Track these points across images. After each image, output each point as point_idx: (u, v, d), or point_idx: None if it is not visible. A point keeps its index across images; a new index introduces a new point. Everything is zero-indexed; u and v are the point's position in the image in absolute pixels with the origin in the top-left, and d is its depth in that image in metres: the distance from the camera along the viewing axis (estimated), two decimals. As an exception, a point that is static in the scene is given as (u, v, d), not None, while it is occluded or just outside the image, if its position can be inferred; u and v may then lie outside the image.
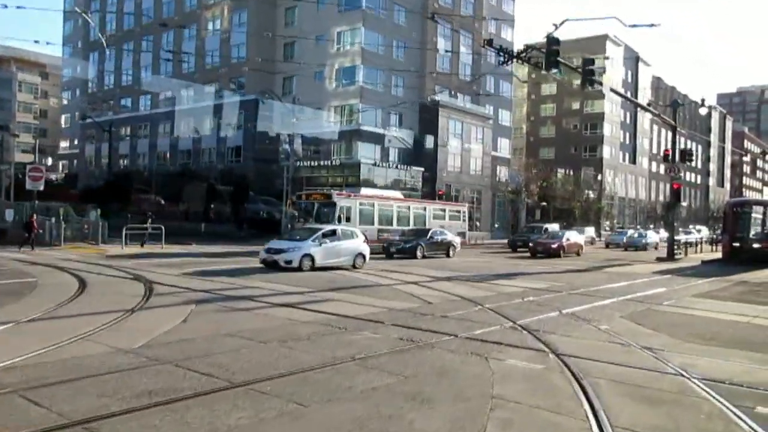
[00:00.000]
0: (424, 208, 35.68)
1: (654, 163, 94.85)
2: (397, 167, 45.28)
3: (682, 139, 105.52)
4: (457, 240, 31.39)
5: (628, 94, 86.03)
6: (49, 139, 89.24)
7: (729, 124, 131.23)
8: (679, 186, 32.54)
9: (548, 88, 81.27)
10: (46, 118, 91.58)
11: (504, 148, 60.04)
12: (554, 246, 32.42)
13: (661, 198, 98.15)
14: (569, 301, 14.02)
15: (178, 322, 10.10)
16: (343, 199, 30.08)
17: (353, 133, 45.00)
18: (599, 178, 71.67)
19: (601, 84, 24.29)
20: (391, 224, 32.29)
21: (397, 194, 36.47)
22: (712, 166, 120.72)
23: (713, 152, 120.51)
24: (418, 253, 27.84)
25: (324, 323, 10.27)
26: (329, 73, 46.52)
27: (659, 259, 32.56)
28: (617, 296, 15.31)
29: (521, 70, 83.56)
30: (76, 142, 71.61)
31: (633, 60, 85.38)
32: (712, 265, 29.48)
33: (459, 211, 38.86)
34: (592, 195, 63.91)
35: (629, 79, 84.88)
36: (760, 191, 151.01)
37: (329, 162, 44.08)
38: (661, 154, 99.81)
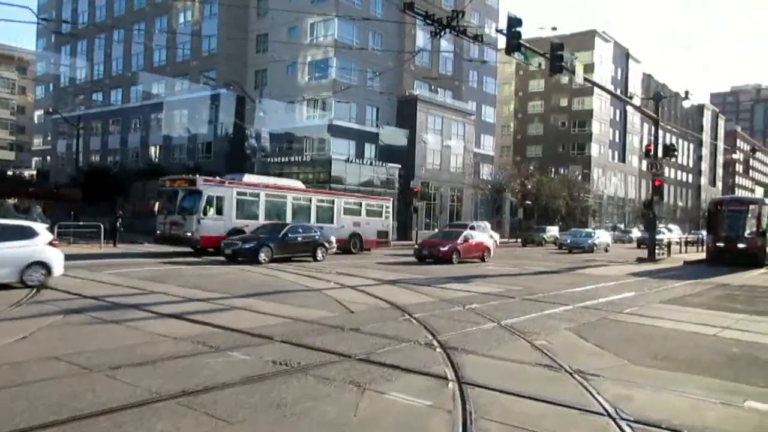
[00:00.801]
0: (332, 202, 30.27)
1: (645, 162, 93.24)
2: (371, 164, 43.50)
3: (673, 137, 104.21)
4: (331, 239, 25.53)
5: (618, 92, 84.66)
6: (27, 136, 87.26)
7: (721, 122, 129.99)
8: (660, 182, 30.86)
9: (536, 85, 79.69)
10: (23, 114, 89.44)
11: (487, 145, 58.34)
12: (444, 249, 25.53)
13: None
14: (516, 309, 12.29)
15: (17, 338, 8.31)
16: (212, 186, 24.88)
17: (326, 128, 43.17)
18: (587, 176, 70.02)
19: (573, 72, 22.61)
20: (284, 219, 26.84)
21: (297, 183, 30.98)
22: (704, 165, 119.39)
23: (705, 151, 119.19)
24: (262, 256, 21.74)
25: (198, 340, 8.48)
26: (302, 66, 44.71)
27: (640, 260, 30.94)
28: (575, 303, 13.60)
29: (508, 68, 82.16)
30: (49, 138, 69.53)
31: (623, 56, 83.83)
32: (695, 267, 27.90)
33: (380, 206, 33.03)
34: (578, 194, 62.17)
35: (619, 76, 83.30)
36: (752, 191, 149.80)
37: (300, 158, 42.25)
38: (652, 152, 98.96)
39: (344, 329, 9.63)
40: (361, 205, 31.98)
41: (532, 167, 60.40)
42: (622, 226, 69.59)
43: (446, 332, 9.52)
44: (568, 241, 40.40)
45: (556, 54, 19.65)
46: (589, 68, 75.47)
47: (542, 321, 11.05)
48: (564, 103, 77.99)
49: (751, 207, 29.17)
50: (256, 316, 10.59)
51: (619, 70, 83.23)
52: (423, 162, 47.61)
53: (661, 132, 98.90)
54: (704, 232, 38.48)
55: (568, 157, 74.53)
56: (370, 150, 45.76)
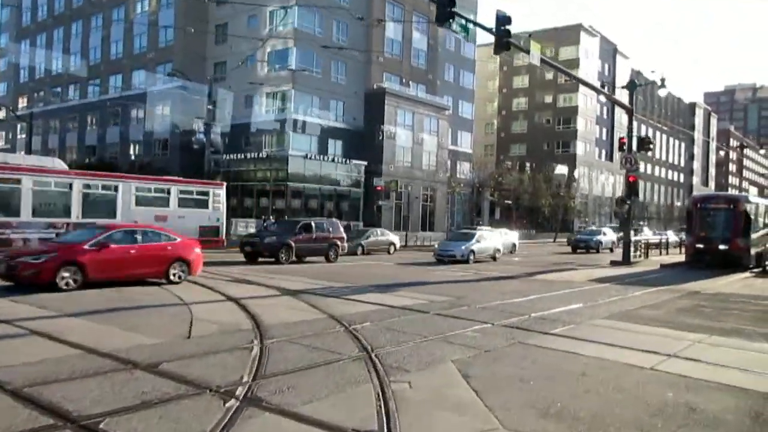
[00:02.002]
0: (114, 188, 21.41)
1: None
2: (333, 160, 40.86)
3: (664, 135, 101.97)
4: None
5: (605, 88, 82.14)
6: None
7: (714, 121, 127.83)
8: (635, 179, 28.33)
9: (520, 81, 77.18)
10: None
11: (465, 142, 55.73)
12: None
13: (641, 197, 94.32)
14: (412, 331, 9.72)
15: None
16: None
17: (285, 123, 40.52)
18: (572, 174, 67.51)
19: (526, 52, 19.85)
20: (67, 215, 19.78)
21: (48, 162, 22.23)
22: (696, 165, 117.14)
23: (697, 150, 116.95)
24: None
25: None
26: (261, 57, 42.07)
27: (613, 263, 28.45)
28: (500, 319, 11.06)
29: (492, 64, 79.66)
30: (10, 136, 66.72)
31: (610, 52, 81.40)
32: (671, 271, 25.42)
33: (205, 194, 24.73)
34: (560, 192, 59.55)
35: (606, 72, 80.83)
36: (746, 191, 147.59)
37: (256, 154, 39.59)
38: (642, 151, 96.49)
39: (139, 366, 7.01)
40: (169, 192, 23.34)
41: (508, 163, 57.86)
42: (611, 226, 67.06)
43: (277, 370, 6.96)
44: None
45: (502, 28, 17.04)
46: (574, 63, 73.16)
47: (432, 348, 8.47)
48: (549, 99, 75.49)
49: (734, 205, 26.63)
50: (49, 347, 7.96)
51: (606, 66, 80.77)
52: (392, 159, 45.02)
53: (650, 130, 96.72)
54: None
55: (553, 155, 72.00)
56: (335, 146, 43.14)
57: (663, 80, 29.93)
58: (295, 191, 38.91)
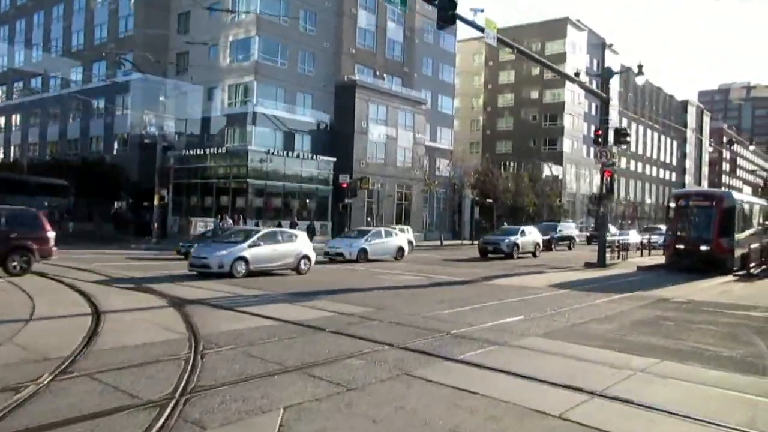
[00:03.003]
0: None
1: (623, 159, 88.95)
2: (299, 156, 38.66)
3: (655, 133, 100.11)
4: None
5: (594, 84, 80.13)
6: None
7: (706, 119, 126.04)
8: (611, 174, 26.18)
9: (506, 76, 75.11)
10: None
11: (445, 138, 53.58)
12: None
13: (631, 196, 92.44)
14: (282, 356, 7.70)
15: None
16: None
17: (248, 117, 38.30)
18: (558, 172, 65.49)
19: (476, 28, 17.76)
20: None
21: None
22: (689, 163, 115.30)
23: (690, 148, 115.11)
24: None
25: None
26: (223, 47, 39.87)
27: (588, 265, 26.33)
28: (410, 338, 9.20)
29: (478, 59, 77.64)
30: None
31: (599, 47, 79.38)
32: (646, 274, 23.38)
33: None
34: (544, 190, 57.40)
35: (595, 68, 78.63)
36: (740, 190, 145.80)
37: (216, 150, 37.38)
38: (632, 149, 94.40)
39: None
40: None
41: (485, 159, 55.77)
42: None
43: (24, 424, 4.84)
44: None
45: (445, 1, 14.90)
46: (560, 58, 71.15)
47: (275, 386, 6.36)
48: (535, 95, 73.41)
49: (716, 202, 24.53)
50: None
51: (595, 61, 78.70)
52: (363, 155, 42.82)
53: (641, 128, 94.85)
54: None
55: (539, 153, 69.93)
56: (302, 142, 40.95)
57: (640, 67, 27.84)
58: (256, 189, 36.72)
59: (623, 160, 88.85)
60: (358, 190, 39.99)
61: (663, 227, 44.86)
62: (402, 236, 28.41)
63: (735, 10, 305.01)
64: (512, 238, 31.48)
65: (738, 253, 24.01)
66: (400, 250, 27.56)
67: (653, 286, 18.50)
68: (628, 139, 28.17)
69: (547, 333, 9.97)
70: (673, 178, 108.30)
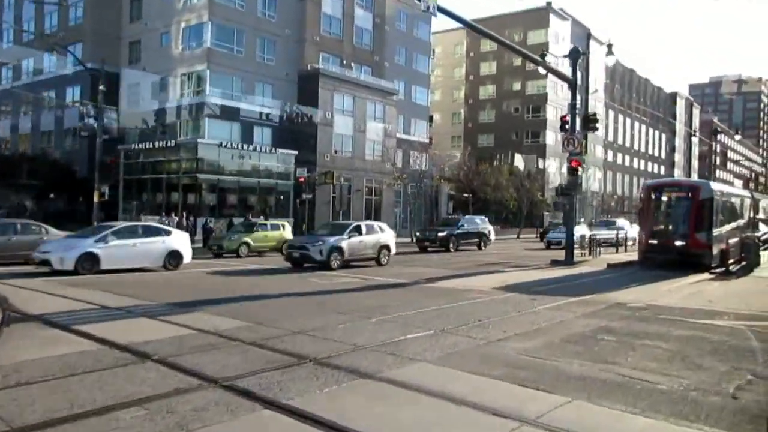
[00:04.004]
0: None
1: (610, 152, 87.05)
2: (256, 149, 36.34)
3: (642, 126, 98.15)
4: None
5: (578, 75, 77.96)
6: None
7: (696, 112, 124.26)
8: (578, 163, 24.03)
9: (488, 68, 72.90)
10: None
11: (420, 131, 51.30)
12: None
13: (619, 190, 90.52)
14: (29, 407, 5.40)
15: None
16: None
17: (200, 107, 35.95)
18: (541, 166, 63.39)
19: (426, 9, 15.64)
20: None
21: None
22: (678, 157, 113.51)
23: (678, 141, 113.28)
24: None
25: None
26: (176, 34, 37.47)
27: (555, 263, 24.23)
28: (254, 365, 7.06)
29: (459, 49, 75.43)
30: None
31: (583, 37, 77.16)
32: (615, 272, 21.32)
33: None
34: (524, 184, 55.15)
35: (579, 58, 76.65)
36: (731, 184, 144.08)
37: (166, 143, 35.01)
38: (619, 142, 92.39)
39: None
40: None
41: (459, 154, 53.56)
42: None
43: None
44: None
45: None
46: (543, 48, 68.93)
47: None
48: (517, 87, 71.20)
49: (694, 193, 22.44)
50: None
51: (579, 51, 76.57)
52: (328, 148, 40.56)
53: (629, 120, 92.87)
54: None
55: (522, 146, 67.78)
56: (262, 134, 38.60)
57: (610, 46, 25.77)
58: (209, 184, 34.43)
59: (609, 153, 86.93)
60: (322, 185, 37.80)
61: (620, 220, 42.56)
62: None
63: (725, 4, 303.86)
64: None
65: (717, 248, 21.93)
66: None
67: (615, 287, 16.42)
68: (597, 125, 26.02)
69: (445, 356, 7.81)
70: (662, 172, 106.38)
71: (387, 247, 22.95)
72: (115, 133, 30.69)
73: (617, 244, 29.36)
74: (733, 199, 26.10)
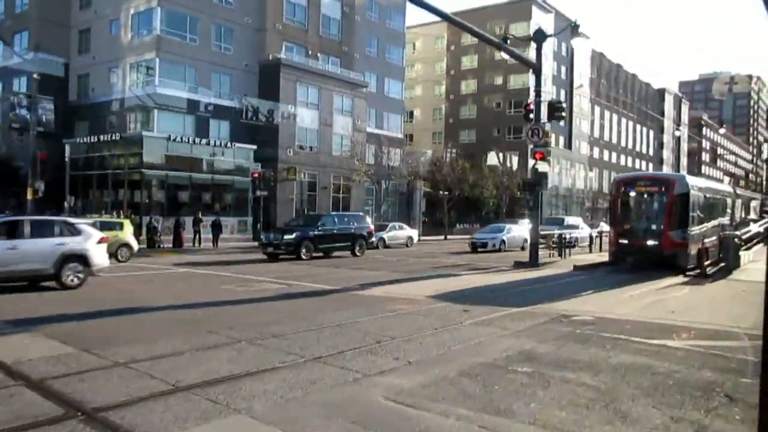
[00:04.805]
0: None
1: (596, 149, 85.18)
2: (210, 144, 34.09)
3: (630, 122, 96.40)
4: None
5: (563, 70, 76.07)
6: None
7: (685, 108, 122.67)
8: (543, 155, 21.93)
9: (469, 61, 70.81)
10: None
11: (394, 125, 49.13)
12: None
13: (606, 188, 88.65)
14: None
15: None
16: None
17: (150, 99, 33.63)
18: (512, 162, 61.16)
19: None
20: None
21: None
22: (666, 153, 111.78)
23: (667, 138, 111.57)
24: None
25: None
26: (125, 21, 35.18)
27: (518, 265, 22.17)
28: None
29: (440, 43, 73.33)
30: None
31: (567, 30, 75.20)
32: (581, 275, 19.28)
33: None
34: (502, 181, 53.11)
35: (563, 52, 74.79)
36: (720, 181, 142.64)
37: (110, 137, 32.70)
38: (605, 138, 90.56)
39: None
40: None
41: (439, 149, 51.50)
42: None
43: None
44: None
45: None
46: (525, 41, 66.95)
47: None
48: (499, 81, 69.08)
49: (668, 187, 20.43)
50: None
51: (564, 46, 74.64)
52: (291, 142, 38.38)
53: (615, 116, 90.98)
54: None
55: (504, 142, 65.74)
56: (219, 128, 36.36)
57: (576, 26, 23.75)
58: (158, 181, 32.19)
59: (595, 150, 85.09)
60: (284, 182, 35.66)
61: (573, 218, 39.76)
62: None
63: (715, 2, 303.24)
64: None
65: (693, 248, 19.94)
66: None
67: (571, 293, 14.38)
68: (563, 113, 23.95)
69: (282, 403, 5.74)
70: (651, 169, 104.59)
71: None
72: (51, 126, 28.41)
73: (561, 245, 25.43)
74: (713, 195, 24.15)
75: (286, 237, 23.14)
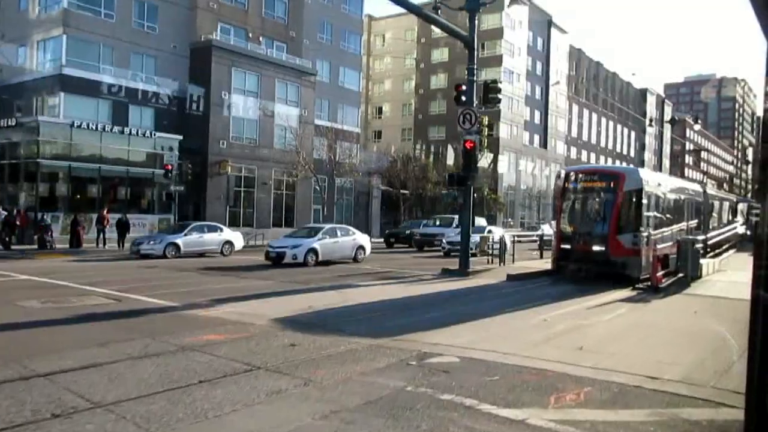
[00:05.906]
0: None
1: (573, 149, 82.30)
2: (124, 132, 30.45)
3: (611, 122, 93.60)
4: None
5: (538, 65, 72.90)
6: None
7: (668, 109, 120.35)
8: (473, 145, 18.62)
9: (439, 54, 67.58)
10: None
11: (350, 119, 45.65)
12: None
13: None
14: None
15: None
16: None
17: (55, 81, 30.03)
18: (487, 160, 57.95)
19: None
20: None
21: None
22: (648, 155, 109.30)
23: (649, 139, 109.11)
24: None
25: None
26: (33, -5, 31.60)
27: (445, 272, 18.88)
28: None
29: (410, 35, 70.03)
30: None
31: (544, 24, 72.28)
32: (510, 287, 16.02)
33: None
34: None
35: (539, 47, 71.76)
36: (705, 184, 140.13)
37: (6, 123, 28.99)
38: (584, 138, 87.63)
39: None
40: None
41: (381, 146, 48.16)
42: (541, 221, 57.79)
43: None
44: None
45: None
46: (497, 33, 64.04)
47: None
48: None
49: (617, 183, 17.18)
50: None
51: (539, 39, 71.63)
52: (224, 134, 34.88)
53: (595, 115, 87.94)
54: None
55: (474, 140, 62.51)
56: (141, 116, 32.76)
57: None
58: (59, 172, 28.58)
59: (572, 150, 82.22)
60: (214, 177, 32.18)
61: (483, 221, 35.61)
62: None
63: (702, 5, 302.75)
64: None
65: (647, 256, 16.69)
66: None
67: (469, 315, 11.10)
68: (499, 96, 20.69)
69: None
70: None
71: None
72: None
73: (503, 251, 21.38)
74: (676, 195, 20.96)
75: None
